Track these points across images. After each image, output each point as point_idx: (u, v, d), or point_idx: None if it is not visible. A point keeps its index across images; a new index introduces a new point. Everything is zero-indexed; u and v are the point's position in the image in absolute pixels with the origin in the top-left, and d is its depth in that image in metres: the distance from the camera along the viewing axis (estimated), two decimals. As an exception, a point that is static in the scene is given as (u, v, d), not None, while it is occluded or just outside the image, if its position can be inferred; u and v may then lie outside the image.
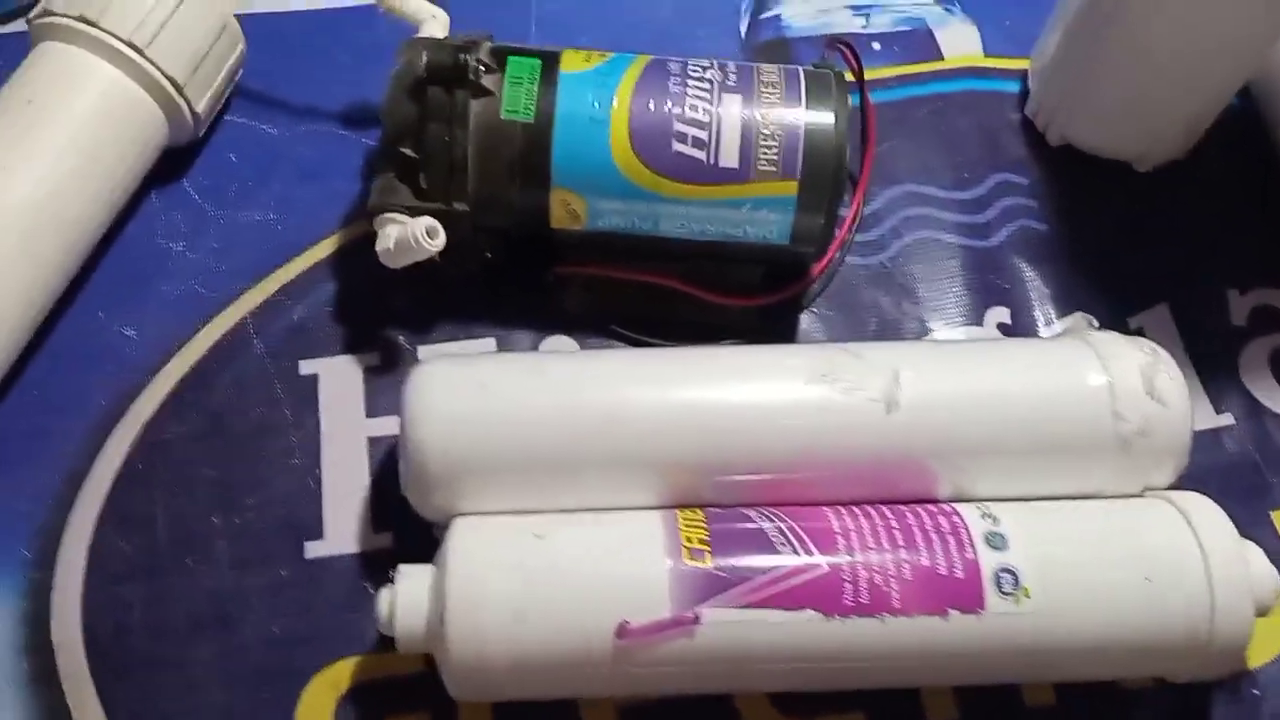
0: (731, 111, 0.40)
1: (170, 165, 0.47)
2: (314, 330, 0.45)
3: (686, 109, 0.40)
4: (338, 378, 0.44)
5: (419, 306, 0.45)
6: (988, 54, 0.54)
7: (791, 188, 0.41)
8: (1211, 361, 0.46)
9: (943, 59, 0.54)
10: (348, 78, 0.51)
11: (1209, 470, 0.43)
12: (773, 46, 0.54)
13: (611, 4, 0.55)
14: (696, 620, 0.34)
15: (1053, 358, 0.40)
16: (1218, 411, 0.45)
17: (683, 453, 0.37)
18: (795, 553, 0.35)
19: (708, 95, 0.41)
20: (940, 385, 0.38)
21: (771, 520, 0.36)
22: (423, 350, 0.45)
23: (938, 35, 0.55)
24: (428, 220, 0.40)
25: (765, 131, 0.40)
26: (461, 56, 0.40)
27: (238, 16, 0.48)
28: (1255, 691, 0.40)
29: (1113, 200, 0.50)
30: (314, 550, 0.41)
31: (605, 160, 0.40)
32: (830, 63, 0.44)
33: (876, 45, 0.54)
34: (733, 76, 0.41)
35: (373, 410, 0.43)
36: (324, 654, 0.39)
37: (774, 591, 0.35)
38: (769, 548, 0.35)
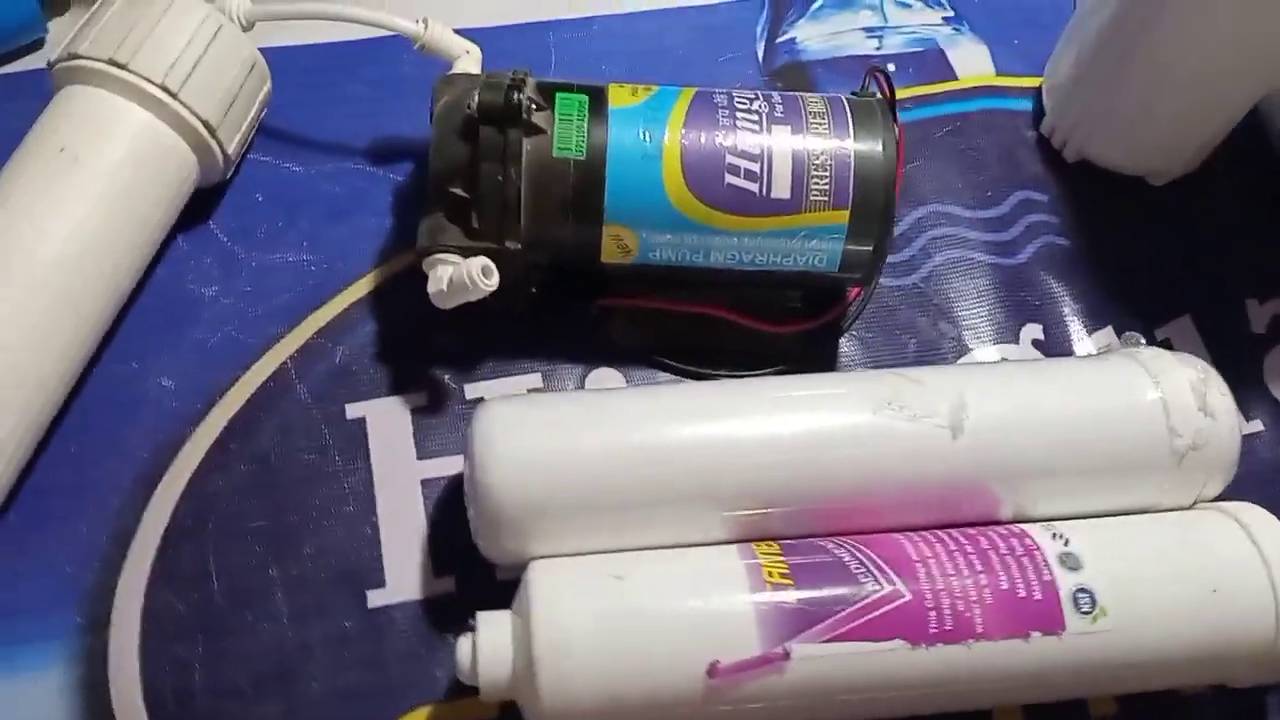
0: (782, 143, 0.41)
1: (197, 207, 0.46)
2: (357, 372, 0.44)
3: (738, 141, 0.41)
4: (386, 420, 0.43)
5: (462, 343, 0.45)
6: (999, 73, 0.56)
7: (843, 217, 0.41)
8: (1236, 370, 0.47)
9: (957, 79, 0.55)
10: (370, 111, 0.51)
11: (1245, 477, 0.43)
12: (790, 70, 0.55)
13: (628, 34, 0.55)
14: (787, 656, 0.34)
15: (1107, 377, 0.40)
16: (1246, 419, 0.46)
17: (754, 485, 0.37)
18: (877, 582, 0.35)
19: (757, 127, 0.41)
20: (1003, 409, 0.39)
21: (848, 550, 0.36)
22: (469, 388, 0.44)
23: (950, 55, 0.56)
24: (483, 260, 0.40)
25: (816, 162, 0.41)
26: (514, 95, 0.39)
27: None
28: (1308, 692, 0.41)
29: (1131, 215, 0.51)
30: (376, 599, 0.40)
31: (658, 195, 0.40)
32: (870, 91, 0.44)
33: (892, 67, 0.55)
34: (780, 108, 0.42)
35: (424, 452, 0.43)
36: (395, 706, 0.39)
37: (861, 622, 0.35)
38: (851, 579, 0.35)
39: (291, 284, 0.46)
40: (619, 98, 0.42)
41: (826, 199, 0.41)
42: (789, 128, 0.41)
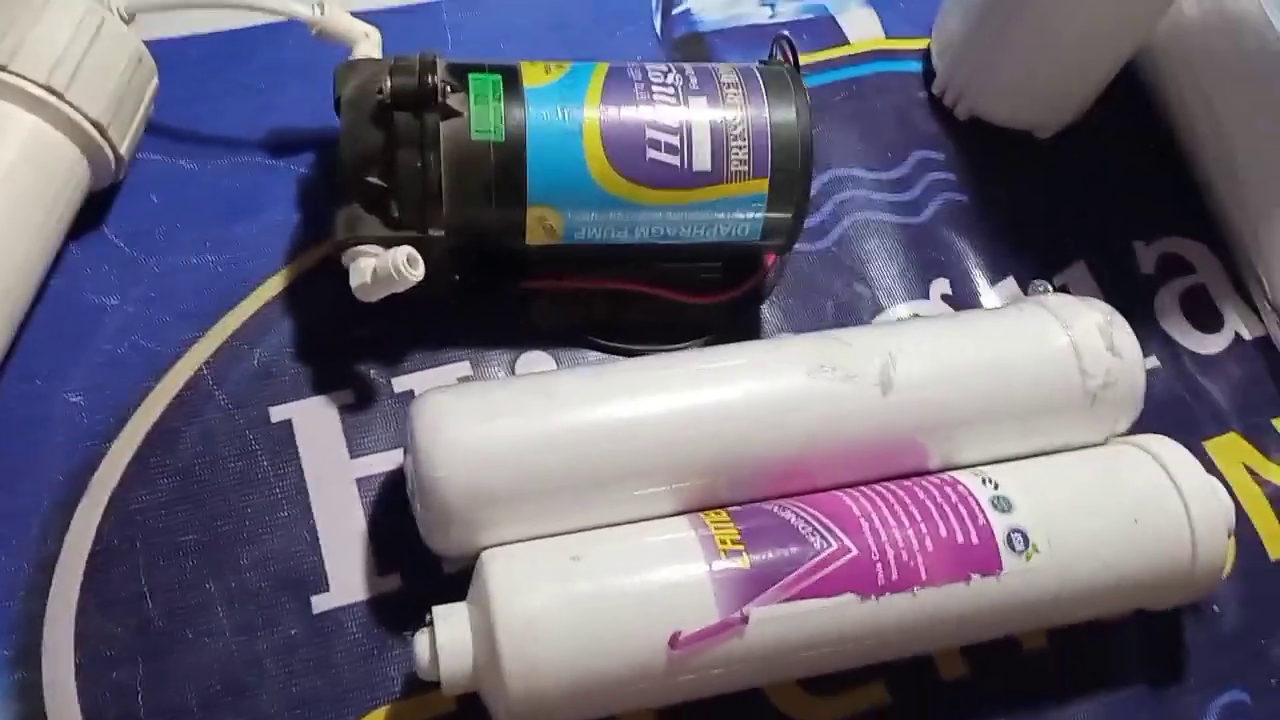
0: (699, 115, 0.41)
1: (88, 212, 0.44)
2: (278, 374, 0.43)
3: (657, 115, 0.41)
4: (313, 421, 0.42)
5: (385, 336, 0.44)
6: (889, 35, 0.57)
7: (763, 185, 0.42)
8: (1129, 310, 0.49)
9: (849, 43, 0.56)
10: (264, 101, 0.49)
11: (1146, 411, 0.46)
12: (689, 42, 0.55)
13: (524, 10, 0.54)
14: (745, 620, 0.35)
15: (1020, 326, 0.42)
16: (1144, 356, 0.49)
17: (699, 456, 0.38)
18: (825, 540, 0.36)
19: (674, 100, 0.41)
20: (927, 364, 0.41)
21: (794, 512, 0.37)
22: (397, 382, 0.43)
23: (840, 21, 0.57)
24: (408, 250, 0.39)
25: (734, 133, 0.41)
26: (428, 78, 0.38)
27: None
28: (1215, 608, 0.44)
29: (1022, 168, 0.54)
30: (321, 603, 0.39)
31: (581, 173, 0.40)
32: (777, 59, 0.45)
33: (785, 34, 0.56)
34: (694, 80, 0.42)
35: (357, 450, 0.42)
36: (352, 708, 0.38)
37: (813, 581, 0.36)
38: (800, 539, 0.36)
39: (198, 287, 0.44)
40: (533, 76, 0.41)
41: (746, 168, 0.41)
42: (705, 99, 0.41)
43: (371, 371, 0.43)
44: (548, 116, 0.40)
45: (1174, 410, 0.48)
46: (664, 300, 0.46)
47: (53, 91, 0.39)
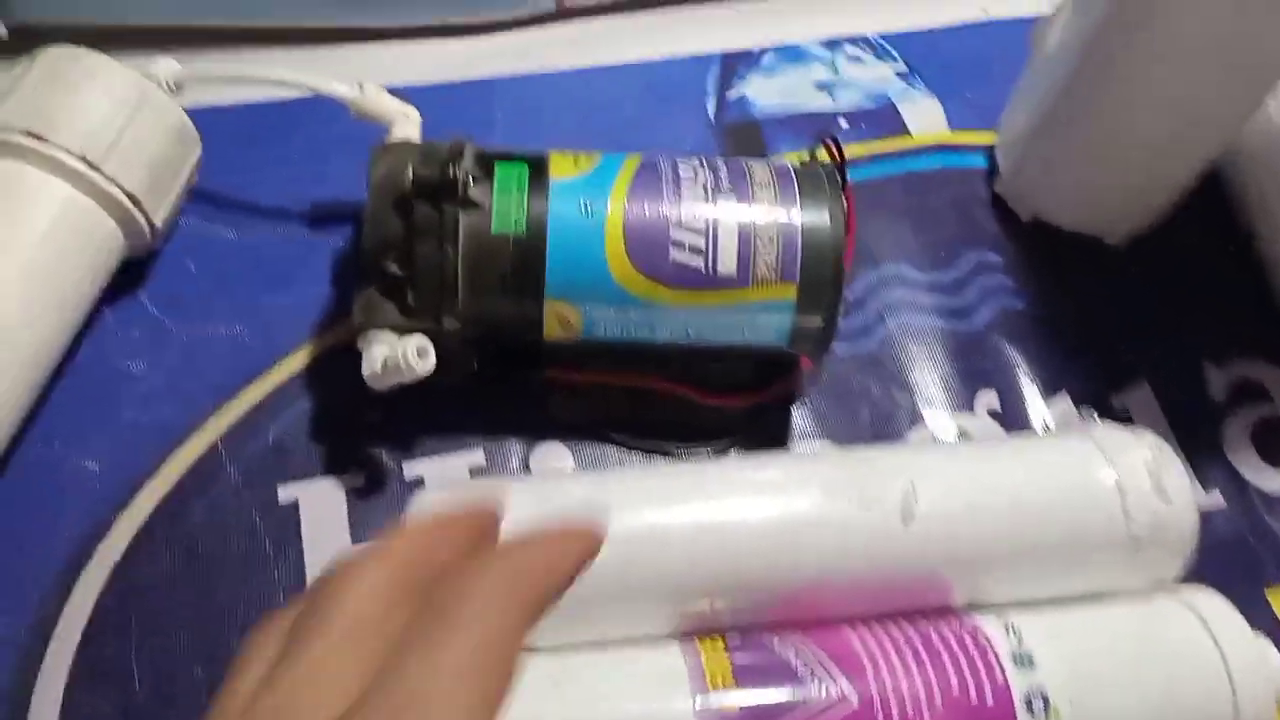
0: (727, 216, 0.40)
1: (124, 277, 0.45)
2: (291, 452, 0.42)
3: (682, 215, 0.39)
4: (320, 503, 0.42)
5: (401, 420, 0.43)
6: (953, 128, 0.55)
7: (790, 291, 0.40)
8: (1195, 439, 0.47)
9: (910, 135, 0.54)
10: (307, 173, 0.49)
11: (1206, 551, 0.43)
12: (742, 130, 0.54)
13: (575, 92, 0.54)
14: (727, 765, 0.33)
15: (1060, 457, 0.39)
16: (1205, 490, 0.46)
17: (699, 578, 0.36)
18: (824, 685, 0.34)
19: (702, 199, 0.40)
20: (953, 494, 0.38)
21: (795, 648, 0.35)
22: (408, 466, 0.43)
23: (903, 111, 0.55)
24: (418, 340, 0.38)
25: (763, 236, 0.39)
26: (451, 170, 0.38)
27: (188, 112, 0.45)
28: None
29: (1087, 276, 0.51)
30: (308, 695, 0.38)
31: (601, 271, 0.39)
32: (818, 157, 0.43)
33: (844, 123, 0.54)
34: (725, 178, 0.41)
35: (358, 535, 0.41)
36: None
37: (807, 727, 0.34)
38: (797, 681, 0.34)
39: (224, 358, 0.44)
40: (560, 168, 0.40)
41: (773, 274, 0.40)
42: (734, 199, 0.40)
43: (384, 455, 0.43)
44: (570, 212, 0.39)
45: (1236, 553, 0.44)
46: (687, 399, 0.44)
47: (88, 163, 0.39)
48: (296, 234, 0.48)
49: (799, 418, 0.46)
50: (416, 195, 0.38)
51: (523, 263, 0.39)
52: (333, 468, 0.42)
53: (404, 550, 0.23)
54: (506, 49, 0.55)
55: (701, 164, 0.41)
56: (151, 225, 0.42)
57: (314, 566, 0.40)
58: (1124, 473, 0.38)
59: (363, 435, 0.43)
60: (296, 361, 0.44)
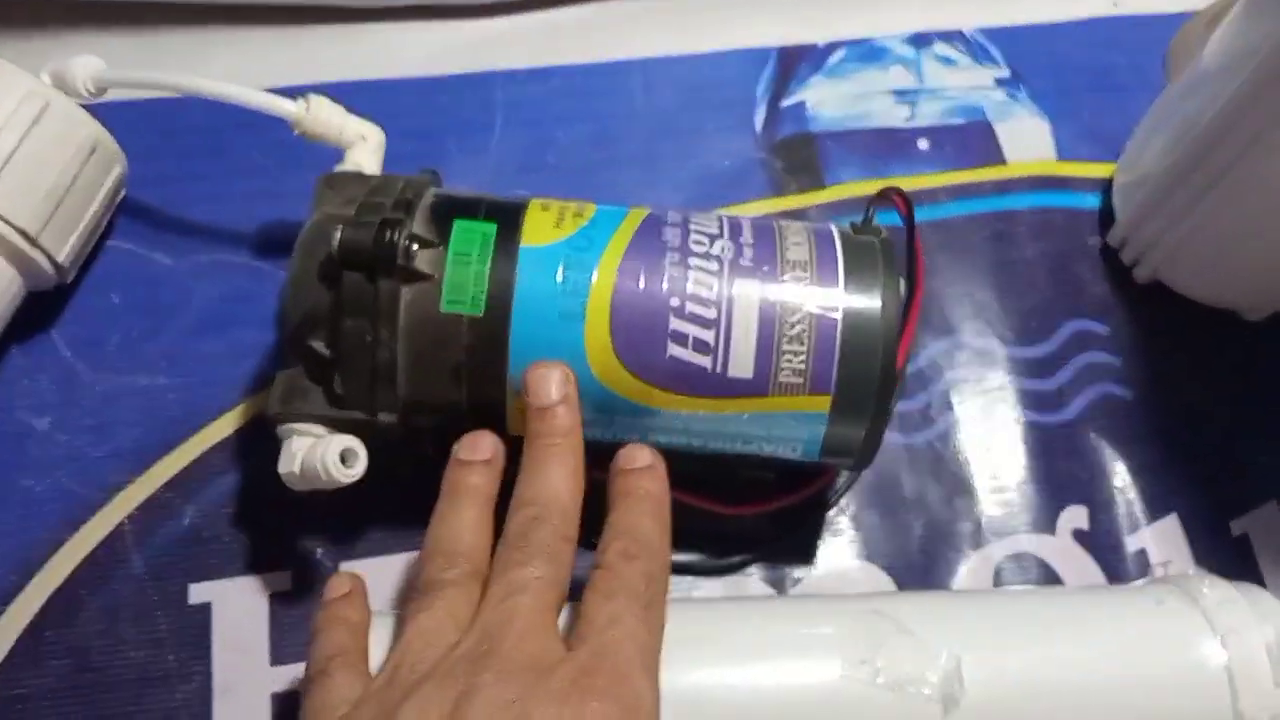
0: (746, 304, 0.30)
1: (39, 309, 0.38)
2: (208, 540, 0.35)
3: (687, 301, 0.30)
4: (236, 608, 0.35)
5: (340, 508, 0.35)
6: (1062, 157, 0.44)
7: (824, 403, 0.31)
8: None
9: (1005, 163, 0.44)
10: (264, 186, 0.41)
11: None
12: (795, 145, 0.44)
13: (595, 92, 0.44)
14: None
15: (1152, 629, 0.31)
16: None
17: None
18: None
19: (714, 279, 0.31)
20: (1009, 675, 0.30)
21: None
22: (345, 567, 0.35)
23: (999, 131, 0.44)
24: (343, 442, 0.31)
25: (790, 334, 0.30)
26: (388, 234, 0.30)
27: (119, 103, 0.38)
28: None
29: (1215, 360, 0.40)
30: None
31: (578, 365, 0.31)
32: (875, 223, 0.34)
33: (924, 144, 0.44)
34: (747, 251, 0.31)
35: (279, 655, 0.34)
36: None
37: None
38: None
39: (142, 417, 0.37)
40: (537, 227, 0.32)
41: (801, 381, 0.31)
42: (758, 279, 0.31)
43: (318, 551, 0.36)
44: (544, 286, 0.31)
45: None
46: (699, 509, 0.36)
47: (-37, 196, 0.32)
48: (242, 262, 0.40)
49: (837, 528, 0.37)
50: (344, 264, 0.30)
51: (479, 349, 0.31)
52: (256, 564, 0.35)
53: None
54: (512, 36, 0.45)
55: (722, 228, 0.32)
56: (54, 262, 0.35)
57: (222, 689, 0.33)
58: (1237, 655, 0.30)
59: (294, 525, 0.36)
60: (224, 426, 0.37)
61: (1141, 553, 0.37)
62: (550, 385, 0.30)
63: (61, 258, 0.35)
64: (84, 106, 0.36)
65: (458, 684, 0.24)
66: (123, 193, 0.39)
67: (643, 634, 0.27)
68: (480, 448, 0.31)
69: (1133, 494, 0.38)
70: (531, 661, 0.25)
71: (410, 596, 0.28)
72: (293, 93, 0.36)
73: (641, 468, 0.30)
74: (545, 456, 0.29)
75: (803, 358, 0.30)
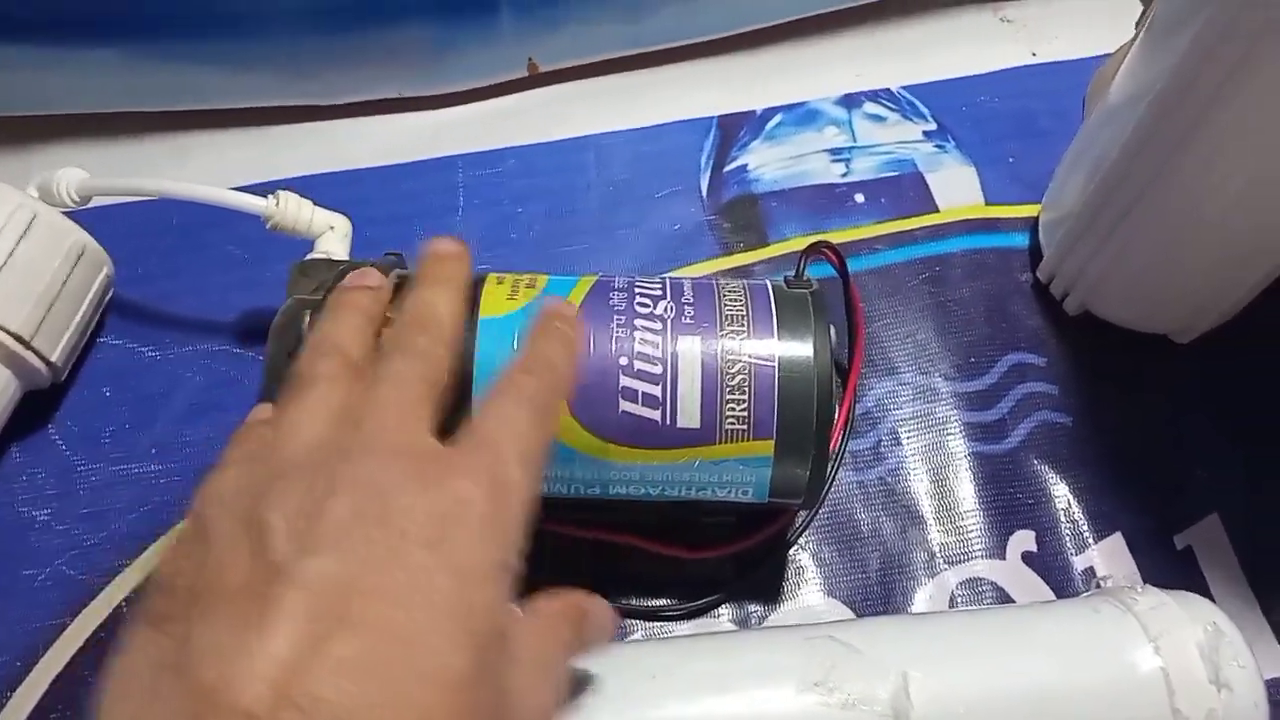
0: (689, 362, 0.33)
1: (34, 407, 0.40)
2: (205, 616, 0.37)
3: (635, 359, 0.33)
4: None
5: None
6: (990, 201, 0.47)
7: (767, 447, 0.33)
8: (1273, 583, 0.39)
9: (937, 210, 0.47)
10: (242, 277, 0.44)
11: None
12: (739, 205, 0.47)
13: (551, 168, 0.47)
14: None
15: (1090, 638, 0.33)
16: (1284, 645, 0.38)
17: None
18: None
19: (659, 338, 0.33)
20: (957, 687, 0.31)
21: None
22: (337, 632, 0.37)
23: (930, 181, 0.47)
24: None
25: (731, 384, 0.33)
26: (352, 317, 0.32)
27: (103, 207, 0.41)
28: None
29: (1149, 383, 0.43)
30: None
31: (537, 426, 0.33)
32: (806, 278, 0.36)
33: (860, 197, 0.47)
34: (689, 311, 0.34)
35: (277, 721, 0.36)
36: None
37: None
38: None
39: (137, 502, 0.39)
40: (493, 301, 0.34)
41: (745, 428, 0.33)
42: (700, 336, 0.33)
43: (308, 619, 0.37)
44: (502, 354, 0.33)
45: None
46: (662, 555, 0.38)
47: (-41, 306, 0.35)
48: (225, 350, 0.42)
49: (794, 565, 0.39)
50: (314, 347, 0.32)
51: (444, 415, 0.33)
52: (249, 636, 0.37)
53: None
54: (473, 121, 0.49)
55: (664, 290, 0.35)
56: (47, 362, 0.38)
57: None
58: (1171, 656, 0.31)
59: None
60: (216, 506, 0.39)
61: (1090, 571, 0.39)
62: (446, 242, 0.31)
63: (55, 358, 0.38)
64: (70, 214, 0.39)
65: (326, 467, 0.23)
66: (110, 292, 0.41)
67: (528, 430, 0.26)
68: (369, 277, 0.31)
69: (1077, 515, 0.40)
70: (400, 448, 0.24)
71: (285, 388, 0.27)
72: (266, 188, 0.39)
73: (565, 317, 0.29)
74: (429, 279, 0.29)
75: (745, 405, 0.33)
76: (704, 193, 0.47)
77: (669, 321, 0.34)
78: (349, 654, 0.20)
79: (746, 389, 0.33)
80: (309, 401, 0.26)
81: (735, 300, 0.35)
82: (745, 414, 0.33)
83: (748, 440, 0.33)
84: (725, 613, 0.38)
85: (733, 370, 0.33)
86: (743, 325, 0.34)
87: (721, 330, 0.34)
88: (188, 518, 0.24)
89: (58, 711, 0.36)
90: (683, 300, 0.34)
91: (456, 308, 0.29)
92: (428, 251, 0.31)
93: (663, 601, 0.38)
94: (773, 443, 0.33)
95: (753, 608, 0.38)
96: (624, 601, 0.38)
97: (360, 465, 0.23)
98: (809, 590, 0.39)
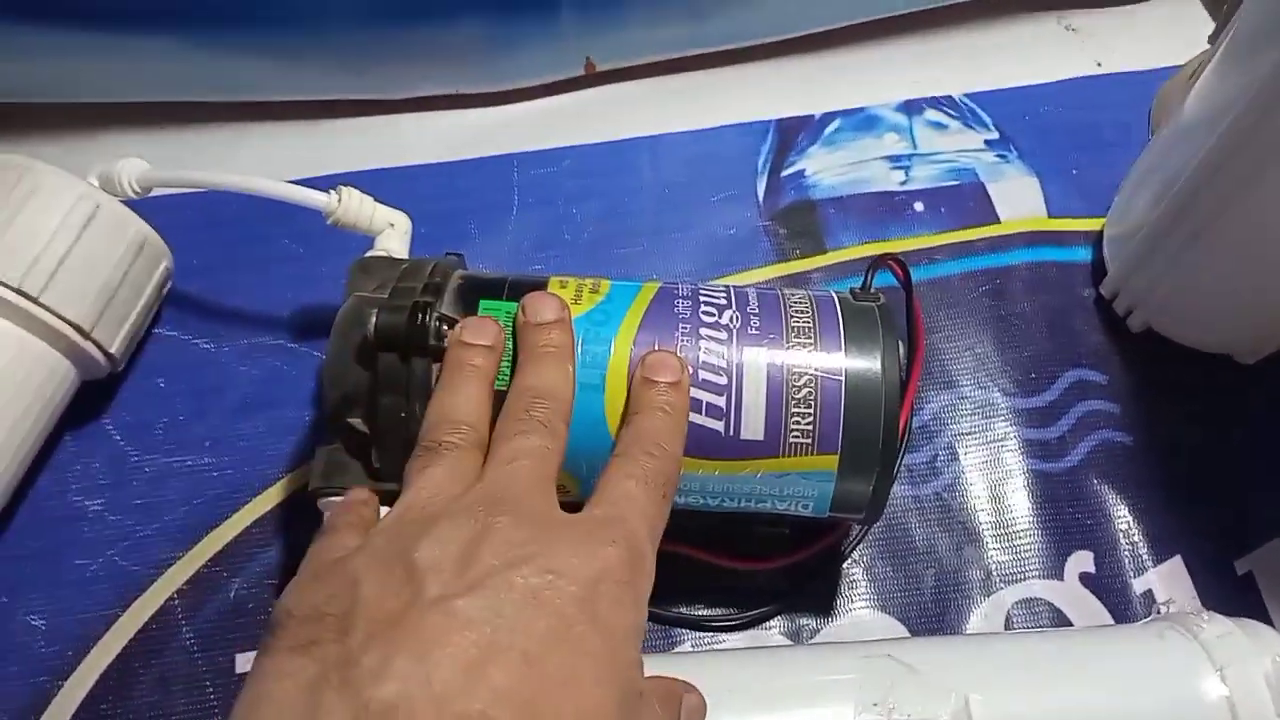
0: (754, 373, 0.32)
1: (90, 399, 0.40)
2: (254, 611, 0.37)
3: (700, 369, 0.32)
4: (283, 677, 0.36)
5: (381, 575, 0.38)
6: (1052, 214, 0.46)
7: (831, 462, 0.33)
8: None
9: (999, 222, 0.46)
10: (298, 272, 0.44)
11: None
12: (796, 211, 0.46)
13: (606, 169, 0.47)
14: None
15: (1154, 665, 0.32)
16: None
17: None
18: None
19: (724, 347, 0.33)
20: (1017, 710, 0.31)
21: None
22: (386, 632, 0.37)
23: (991, 191, 0.47)
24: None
25: (797, 397, 0.32)
26: (420, 318, 0.32)
27: (162, 197, 0.41)
28: None
29: (1213, 404, 0.42)
30: None
31: (599, 432, 0.32)
32: (873, 291, 0.36)
33: (919, 206, 0.46)
34: (754, 321, 0.33)
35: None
36: None
37: None
38: None
39: (189, 495, 0.39)
40: (556, 305, 0.34)
41: (809, 441, 0.32)
42: (764, 349, 0.33)
43: (359, 618, 0.37)
44: (565, 361, 0.33)
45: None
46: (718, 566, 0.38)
47: (25, 295, 0.35)
48: (280, 344, 0.42)
49: (847, 580, 0.39)
50: (379, 346, 0.32)
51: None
52: (300, 633, 0.37)
53: None
54: (529, 119, 0.48)
55: (729, 298, 0.34)
56: (106, 353, 0.38)
57: (270, 756, 0.35)
58: (1237, 687, 0.31)
59: (336, 594, 0.38)
60: (267, 500, 0.39)
61: (1148, 594, 0.39)
62: (546, 307, 0.32)
63: (114, 349, 0.38)
64: (130, 205, 0.39)
65: (475, 522, 0.25)
66: (169, 284, 0.41)
67: (653, 511, 0.28)
68: (485, 332, 0.31)
69: (1137, 537, 0.39)
70: (541, 514, 0.26)
71: (414, 456, 0.29)
72: (323, 183, 0.39)
73: (669, 382, 0.31)
74: (542, 355, 0.31)
75: (810, 419, 0.32)
76: (760, 197, 0.47)
77: (734, 331, 0.33)
78: (507, 684, 0.22)
79: (812, 402, 0.32)
80: (444, 467, 0.28)
81: (802, 311, 0.34)
82: (810, 427, 0.32)
83: (811, 454, 0.33)
84: (777, 625, 0.38)
85: (799, 383, 0.32)
86: (809, 337, 0.33)
87: (788, 342, 0.33)
88: (308, 565, 0.27)
89: (108, 702, 0.36)
90: (748, 310, 0.34)
91: (570, 380, 0.31)
92: (529, 319, 0.32)
93: (715, 611, 0.38)
94: (837, 457, 0.33)
95: (805, 621, 0.38)
96: (674, 610, 0.38)
97: (508, 525, 0.25)
98: (862, 605, 0.38)
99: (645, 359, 0.31)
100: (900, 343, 0.34)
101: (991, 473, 0.41)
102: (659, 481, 0.29)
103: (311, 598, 0.24)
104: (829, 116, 0.49)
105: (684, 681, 0.28)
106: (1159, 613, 0.37)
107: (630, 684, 0.24)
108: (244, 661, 0.37)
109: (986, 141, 0.48)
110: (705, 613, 0.38)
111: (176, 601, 0.37)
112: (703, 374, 0.33)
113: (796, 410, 0.32)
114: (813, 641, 0.38)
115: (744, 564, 0.37)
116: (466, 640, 0.22)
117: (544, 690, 0.22)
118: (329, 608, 0.24)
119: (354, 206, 0.38)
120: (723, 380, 0.33)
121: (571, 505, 0.31)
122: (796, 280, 0.44)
